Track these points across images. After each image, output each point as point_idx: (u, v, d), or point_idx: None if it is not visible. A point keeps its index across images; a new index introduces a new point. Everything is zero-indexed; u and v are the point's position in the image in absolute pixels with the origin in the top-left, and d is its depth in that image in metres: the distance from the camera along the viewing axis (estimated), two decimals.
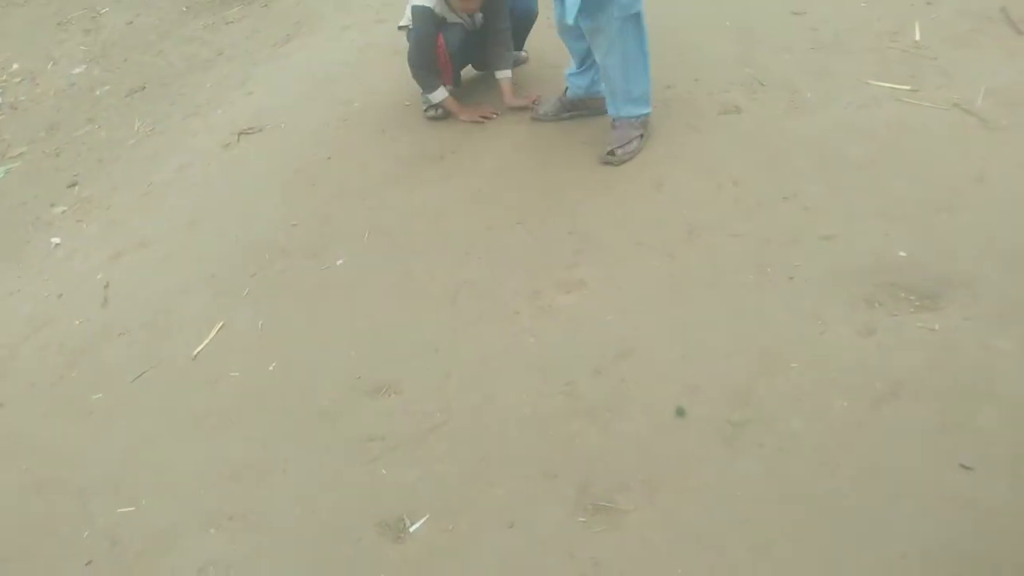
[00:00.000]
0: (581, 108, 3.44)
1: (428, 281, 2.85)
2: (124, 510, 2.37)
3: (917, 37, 3.47)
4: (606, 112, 3.22)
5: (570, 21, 2.86)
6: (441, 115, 3.61)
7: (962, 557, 1.78)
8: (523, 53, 3.93)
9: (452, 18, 3.46)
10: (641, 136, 3.17)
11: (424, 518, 2.12)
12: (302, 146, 3.76)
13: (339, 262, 3.02)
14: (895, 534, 1.85)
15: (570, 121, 3.46)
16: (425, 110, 3.66)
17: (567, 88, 3.42)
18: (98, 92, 5.33)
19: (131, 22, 6.33)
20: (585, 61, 3.28)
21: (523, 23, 3.71)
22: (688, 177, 3.01)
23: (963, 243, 2.50)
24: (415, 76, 3.50)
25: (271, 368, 2.67)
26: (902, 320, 2.32)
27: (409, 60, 3.46)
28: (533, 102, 3.53)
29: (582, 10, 2.82)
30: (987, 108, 3.01)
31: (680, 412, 2.18)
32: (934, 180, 2.75)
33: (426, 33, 3.38)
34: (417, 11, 3.37)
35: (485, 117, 3.59)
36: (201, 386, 2.68)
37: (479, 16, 3.53)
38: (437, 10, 3.37)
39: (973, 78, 3.17)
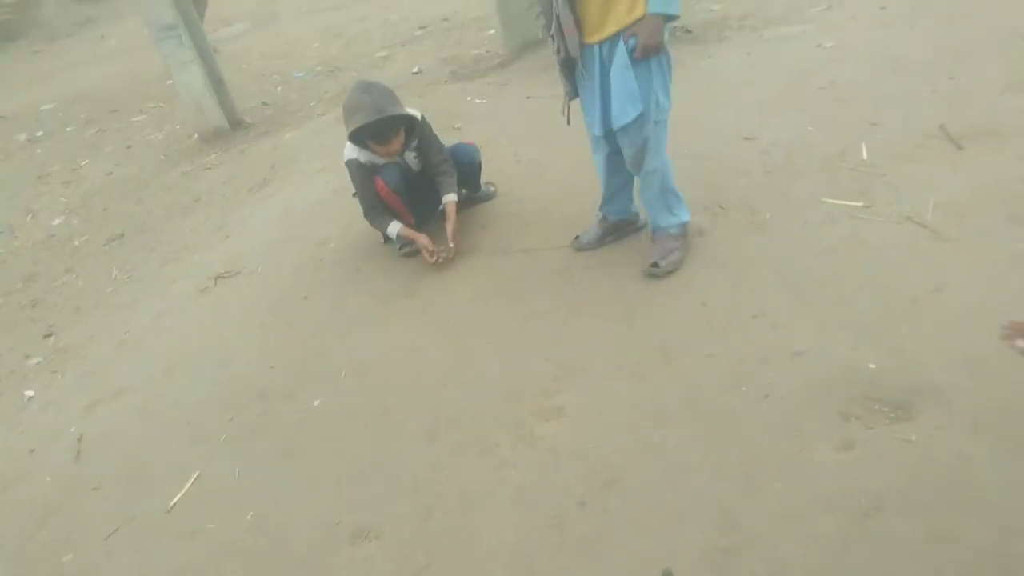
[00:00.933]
0: (623, 229, 3.51)
1: (406, 418, 2.84)
2: None
3: (864, 156, 3.65)
4: (642, 228, 3.41)
5: (634, 112, 2.90)
6: (414, 251, 3.70)
7: None
8: (491, 187, 4.07)
9: (382, 161, 3.62)
10: (682, 246, 3.24)
11: None
12: (278, 288, 3.82)
13: (316, 403, 3.01)
14: None
15: (538, 253, 3.55)
16: (399, 248, 3.76)
17: (603, 215, 3.49)
18: (77, 242, 5.41)
19: (111, 173, 6.52)
20: (615, 187, 3.37)
21: (469, 170, 3.87)
22: (659, 300, 3.08)
23: (929, 352, 2.56)
24: (370, 223, 3.70)
25: (248, 518, 2.61)
26: (878, 432, 2.34)
27: (364, 214, 3.68)
28: (450, 244, 3.62)
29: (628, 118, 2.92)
30: (938, 220, 3.14)
31: (667, 573, 2.13)
32: (895, 292, 2.83)
33: (360, 181, 3.59)
34: (348, 165, 3.60)
35: (437, 251, 3.60)
36: (177, 540, 2.60)
37: (412, 157, 3.71)
38: (363, 159, 3.57)
39: (922, 192, 3.32)
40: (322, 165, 5.14)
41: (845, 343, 2.67)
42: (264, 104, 7.13)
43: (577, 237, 3.50)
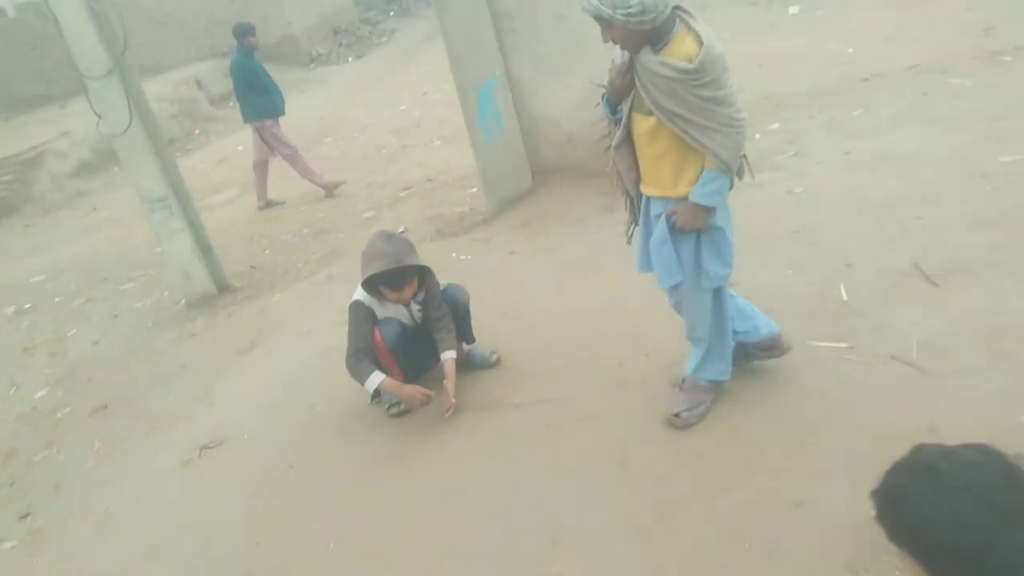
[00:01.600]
0: (763, 350, 3.27)
1: None
2: None
3: (844, 298, 3.72)
4: (777, 352, 3.23)
5: (674, 282, 2.94)
6: (403, 411, 3.65)
7: None
8: (494, 356, 3.98)
9: (384, 312, 3.64)
10: (712, 401, 3.16)
11: None
12: (264, 457, 3.74)
13: None
14: None
15: (528, 408, 3.52)
16: (387, 409, 3.72)
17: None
18: (60, 414, 5.32)
19: (97, 342, 6.50)
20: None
21: (456, 311, 3.82)
22: (652, 454, 3.04)
23: None
24: (349, 371, 3.56)
25: None
26: None
27: (346, 357, 3.58)
28: (452, 400, 3.53)
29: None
30: (923, 359, 3.16)
31: None
32: (889, 435, 2.79)
33: (358, 322, 3.57)
34: (352, 306, 3.60)
35: (426, 395, 3.53)
36: None
37: (416, 309, 3.71)
38: (366, 302, 3.58)
39: (903, 331, 3.36)
40: (310, 327, 5.17)
41: (845, 490, 2.61)
42: (252, 267, 7.24)
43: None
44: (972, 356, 3.12)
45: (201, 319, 6.22)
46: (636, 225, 3.16)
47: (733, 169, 2.72)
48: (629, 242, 3.25)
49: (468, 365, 3.94)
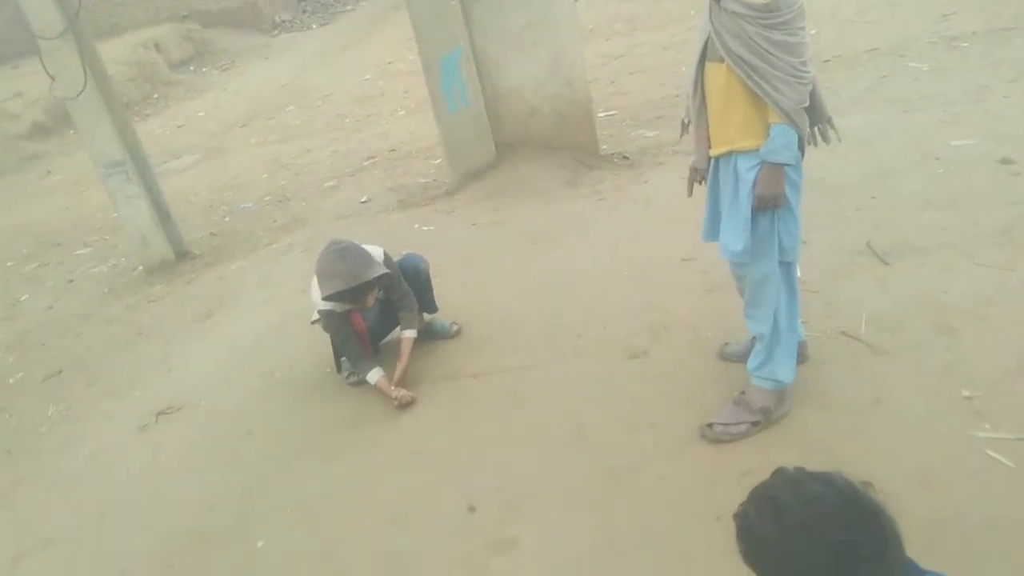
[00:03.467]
0: None
1: (353, 557, 2.74)
2: None
3: (798, 274, 3.78)
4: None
5: (734, 248, 2.74)
6: (361, 380, 3.66)
7: None
8: (454, 326, 4.00)
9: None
10: (756, 423, 2.85)
11: None
12: (222, 423, 3.73)
13: (260, 544, 2.89)
14: None
15: (487, 377, 3.56)
16: (347, 377, 3.72)
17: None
18: (11, 380, 5.23)
19: (51, 307, 6.39)
20: None
21: (416, 281, 3.80)
22: (607, 423, 3.09)
23: (874, 465, 2.58)
24: (351, 366, 3.65)
25: None
26: None
27: (341, 355, 3.68)
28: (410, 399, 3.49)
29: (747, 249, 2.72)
30: (871, 334, 3.25)
31: None
32: (836, 407, 2.89)
33: (337, 328, 3.56)
34: (322, 314, 3.54)
35: (405, 404, 3.48)
36: None
37: (379, 293, 3.68)
38: (339, 309, 3.53)
39: (854, 307, 3.45)
40: (269, 295, 5.13)
41: (791, 460, 2.66)
42: (211, 235, 7.14)
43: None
44: (918, 333, 3.21)
45: (159, 286, 6.15)
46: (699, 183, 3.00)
47: (797, 123, 2.59)
48: (690, 194, 3.07)
49: (428, 335, 3.95)
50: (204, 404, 3.95)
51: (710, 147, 2.81)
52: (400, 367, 3.58)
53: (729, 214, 2.78)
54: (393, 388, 3.50)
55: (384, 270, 3.49)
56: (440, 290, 4.03)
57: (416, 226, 5.77)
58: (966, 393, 2.83)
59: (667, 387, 3.19)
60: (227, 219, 7.55)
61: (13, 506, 3.65)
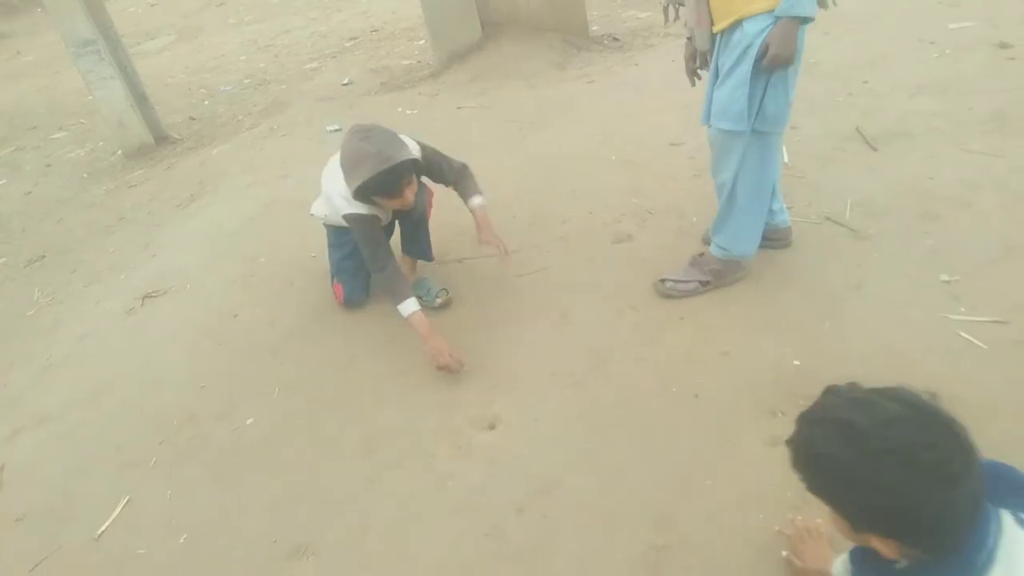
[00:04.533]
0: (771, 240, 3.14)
1: (341, 433, 2.81)
2: None
3: (786, 159, 3.76)
4: (778, 245, 3.13)
5: (732, 109, 2.61)
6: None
7: None
8: (444, 292, 3.38)
9: (383, 216, 3.10)
10: (705, 283, 2.98)
11: None
12: (208, 306, 3.74)
13: (249, 422, 2.96)
14: None
15: (471, 262, 3.56)
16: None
17: None
18: None
19: (30, 192, 6.30)
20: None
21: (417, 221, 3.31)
22: (590, 306, 3.12)
23: (851, 347, 2.65)
24: (382, 283, 3.04)
25: (181, 541, 2.54)
26: None
27: (374, 269, 3.03)
28: (504, 250, 3.12)
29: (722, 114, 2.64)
30: (855, 219, 3.26)
31: None
32: (817, 291, 2.93)
33: (369, 235, 2.97)
34: (350, 219, 2.97)
35: (459, 362, 2.91)
36: (106, 567, 2.52)
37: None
38: (368, 212, 2.98)
39: (839, 192, 3.44)
40: (252, 180, 5.06)
41: (771, 342, 2.74)
42: (191, 119, 6.98)
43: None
44: (903, 218, 3.22)
45: (139, 170, 6.05)
46: (701, 71, 2.87)
47: None
48: (694, 84, 3.00)
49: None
50: (190, 288, 3.96)
51: (712, 24, 2.65)
52: (488, 232, 3.11)
53: (725, 79, 2.62)
54: (446, 353, 2.90)
55: (416, 154, 2.93)
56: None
57: (399, 109, 5.66)
58: (945, 278, 2.86)
59: (651, 271, 3.21)
60: (206, 102, 7.36)
61: (6, 387, 3.70)
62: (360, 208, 2.94)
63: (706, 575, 2.07)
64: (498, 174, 4.26)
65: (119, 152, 6.45)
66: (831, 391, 1.38)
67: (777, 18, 2.43)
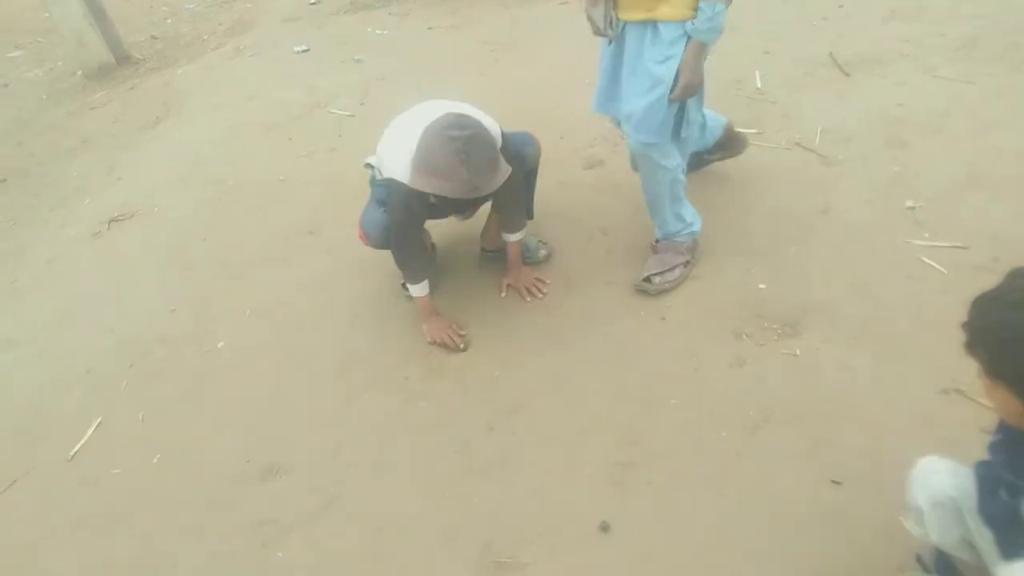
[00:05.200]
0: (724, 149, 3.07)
1: (313, 355, 2.83)
2: None
3: (759, 84, 3.75)
4: (732, 150, 3.06)
5: (638, 139, 2.50)
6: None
7: (837, 567, 1.89)
8: (542, 247, 3.06)
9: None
10: (687, 263, 2.79)
11: None
12: (176, 229, 3.70)
13: (220, 345, 2.97)
14: (779, 554, 1.95)
15: None
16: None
17: None
18: None
19: None
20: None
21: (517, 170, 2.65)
22: (561, 231, 3.13)
23: (815, 271, 2.70)
24: (396, 256, 2.75)
25: (155, 461, 2.57)
26: (768, 349, 2.47)
27: (392, 240, 2.72)
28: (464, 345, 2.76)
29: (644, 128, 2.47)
30: (824, 145, 3.28)
31: (604, 527, 2.13)
32: (785, 216, 2.96)
33: (409, 208, 2.58)
34: (396, 192, 2.56)
35: (455, 341, 2.74)
36: (80, 487, 2.55)
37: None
38: (420, 199, 2.54)
39: (810, 118, 3.45)
40: (217, 101, 4.94)
41: (737, 266, 2.78)
42: (153, 37, 6.74)
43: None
44: (871, 144, 3.24)
45: (101, 92, 5.87)
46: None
47: None
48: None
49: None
50: (157, 211, 3.90)
51: (616, 8, 2.42)
52: (526, 286, 2.88)
53: (642, 93, 2.44)
54: (451, 330, 2.76)
55: (508, 169, 2.48)
56: (395, 97, 3.91)
57: (369, 29, 5.52)
58: (910, 204, 2.91)
59: (621, 197, 3.22)
60: (169, 21, 7.12)
61: None
62: (413, 187, 2.48)
63: (669, 489, 2.15)
64: (468, 97, 4.18)
65: (79, 72, 6.24)
66: (1020, 274, 1.35)
67: (688, 37, 2.31)
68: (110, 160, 4.69)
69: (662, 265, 2.76)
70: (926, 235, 2.76)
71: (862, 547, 1.92)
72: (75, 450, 2.69)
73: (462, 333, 2.77)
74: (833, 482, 2.07)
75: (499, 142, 2.54)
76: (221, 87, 5.18)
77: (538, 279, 2.91)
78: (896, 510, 1.98)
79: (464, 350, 2.73)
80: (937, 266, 2.62)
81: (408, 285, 2.77)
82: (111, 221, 3.93)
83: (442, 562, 2.10)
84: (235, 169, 4.03)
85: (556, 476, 2.25)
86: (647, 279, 2.74)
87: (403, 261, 2.74)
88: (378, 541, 2.18)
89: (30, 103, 6.04)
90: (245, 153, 4.15)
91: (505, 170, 2.45)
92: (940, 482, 1.54)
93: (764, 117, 3.49)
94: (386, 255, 2.79)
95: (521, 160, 2.73)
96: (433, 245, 3.10)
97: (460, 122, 2.39)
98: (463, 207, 2.63)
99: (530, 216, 2.97)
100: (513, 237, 2.85)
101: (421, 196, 2.48)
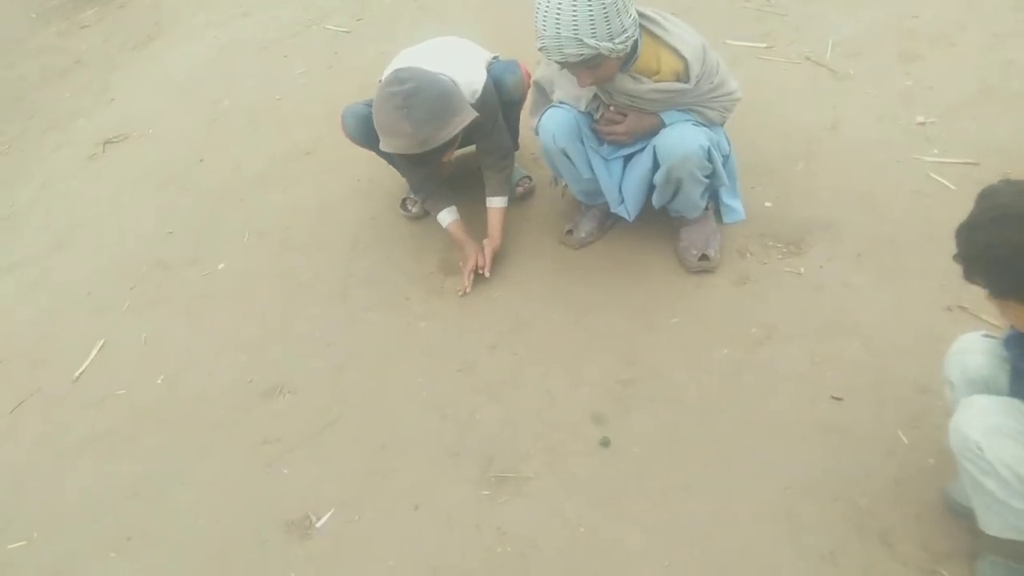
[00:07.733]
0: None
1: (314, 277, 2.81)
2: (15, 546, 2.27)
3: None
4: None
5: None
6: (419, 213, 2.95)
7: (836, 481, 1.91)
8: (527, 178, 2.96)
9: None
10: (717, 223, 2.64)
11: (329, 513, 2.12)
12: (172, 151, 3.64)
13: (220, 267, 2.95)
14: (778, 469, 1.97)
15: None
16: (409, 208, 2.96)
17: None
18: None
19: None
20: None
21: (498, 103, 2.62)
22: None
23: (821, 189, 2.65)
24: (417, 195, 2.81)
25: (159, 381, 2.59)
26: (771, 267, 2.45)
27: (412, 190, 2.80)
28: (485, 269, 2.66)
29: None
30: (835, 59, 3.18)
31: (605, 442, 2.15)
32: (793, 132, 2.89)
33: (408, 167, 2.64)
34: (387, 153, 2.48)
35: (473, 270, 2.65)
36: (86, 408, 2.58)
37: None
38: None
39: (821, 32, 3.34)
40: (209, 19, 4.79)
41: (743, 183, 2.72)
42: None
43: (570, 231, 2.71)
44: (882, 59, 3.14)
45: (91, 11, 5.69)
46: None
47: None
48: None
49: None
50: (152, 132, 3.84)
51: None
52: (491, 249, 2.66)
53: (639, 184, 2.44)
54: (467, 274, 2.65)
55: (471, 115, 2.38)
56: (391, 14, 3.79)
57: None
58: (920, 119, 2.83)
59: None
60: None
61: None
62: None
63: (670, 405, 2.16)
64: (471, 11, 4.06)
65: None
66: (988, 194, 1.40)
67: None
68: (103, 81, 4.58)
69: (705, 237, 2.52)
70: (935, 151, 2.70)
71: (862, 462, 1.94)
72: (79, 372, 2.70)
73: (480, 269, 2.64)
74: (834, 398, 2.08)
75: (479, 84, 2.46)
76: (213, 4, 5.01)
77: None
78: (897, 425, 2.00)
79: (487, 276, 2.64)
80: (946, 182, 2.58)
81: (437, 217, 2.70)
82: (106, 143, 3.86)
83: (446, 478, 2.13)
84: (230, 90, 3.94)
85: (558, 394, 2.26)
86: (703, 257, 2.49)
87: (421, 198, 2.77)
88: (381, 458, 2.21)
89: (19, 23, 5.87)
90: (240, 74, 4.05)
91: (463, 117, 2.34)
92: (976, 361, 1.60)
93: (774, 30, 3.38)
94: (386, 174, 2.74)
95: (500, 88, 2.59)
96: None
97: (399, 76, 2.30)
98: (427, 159, 2.39)
99: (516, 148, 2.84)
100: (495, 202, 2.69)
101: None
